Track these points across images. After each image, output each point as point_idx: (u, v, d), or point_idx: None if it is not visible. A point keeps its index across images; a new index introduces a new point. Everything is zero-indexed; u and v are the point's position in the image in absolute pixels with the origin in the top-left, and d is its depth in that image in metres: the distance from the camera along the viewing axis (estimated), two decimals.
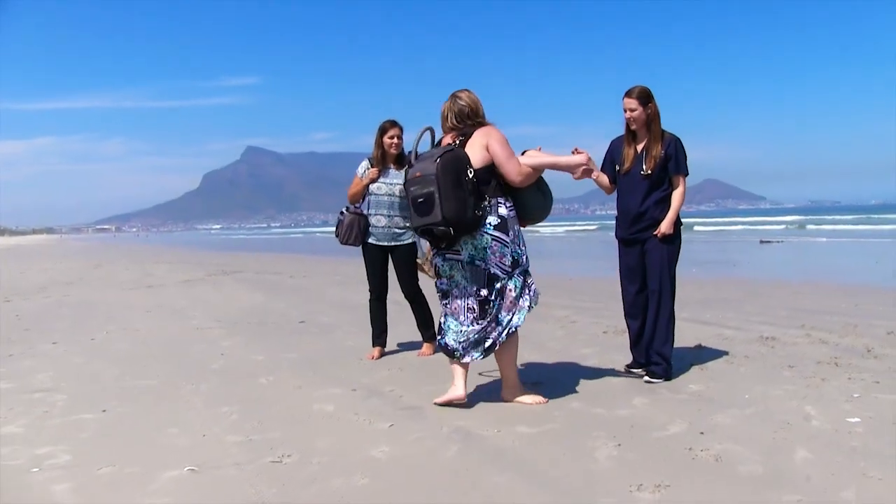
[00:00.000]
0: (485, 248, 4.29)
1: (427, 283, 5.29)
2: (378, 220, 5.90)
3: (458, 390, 4.39)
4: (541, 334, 6.83)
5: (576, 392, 4.66)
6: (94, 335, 7.48)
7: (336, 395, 4.76)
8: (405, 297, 6.14)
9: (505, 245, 4.32)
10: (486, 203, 4.29)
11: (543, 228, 53.59)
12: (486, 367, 5.00)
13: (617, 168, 5.06)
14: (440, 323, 4.56)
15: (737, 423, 3.87)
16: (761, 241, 27.52)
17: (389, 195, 5.85)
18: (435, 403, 4.39)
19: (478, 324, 4.36)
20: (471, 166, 4.23)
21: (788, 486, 2.99)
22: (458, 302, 4.42)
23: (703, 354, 5.69)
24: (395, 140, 5.82)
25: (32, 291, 12.91)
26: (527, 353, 5.88)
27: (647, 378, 4.87)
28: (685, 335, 6.26)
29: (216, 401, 4.66)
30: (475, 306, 4.36)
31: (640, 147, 4.98)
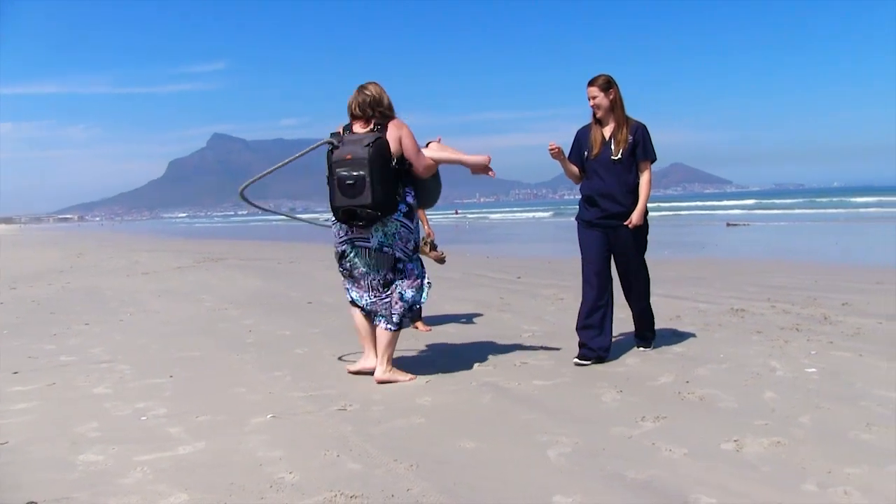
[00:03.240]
0: (394, 235, 4.60)
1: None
2: None
3: (369, 360, 4.85)
4: (536, 309, 7.62)
5: None
6: (120, 317, 7.91)
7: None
8: None
9: (410, 231, 4.67)
10: (400, 191, 4.62)
11: (505, 215, 54.33)
12: (476, 339, 5.68)
13: (585, 154, 5.17)
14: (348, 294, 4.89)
15: (714, 374, 4.66)
16: (728, 224, 28.70)
17: None
18: (349, 372, 4.95)
19: (382, 298, 4.72)
20: (392, 155, 4.53)
21: (758, 414, 3.79)
22: (363, 282, 4.75)
23: (681, 324, 6.43)
24: None
25: (30, 279, 12.95)
26: (527, 325, 6.66)
27: (641, 348, 5.46)
28: (664, 309, 6.96)
29: (266, 367, 5.26)
30: (379, 286, 4.72)
31: (607, 133, 5.11)
